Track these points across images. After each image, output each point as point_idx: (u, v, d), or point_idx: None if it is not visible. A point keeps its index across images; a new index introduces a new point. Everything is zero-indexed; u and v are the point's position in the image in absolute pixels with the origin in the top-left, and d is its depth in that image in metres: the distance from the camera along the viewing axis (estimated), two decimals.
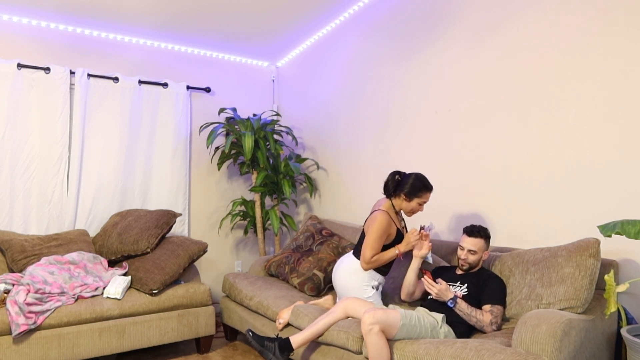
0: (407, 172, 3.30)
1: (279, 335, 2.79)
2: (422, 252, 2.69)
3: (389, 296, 2.99)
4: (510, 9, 2.93)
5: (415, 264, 2.68)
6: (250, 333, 2.51)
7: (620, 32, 2.44)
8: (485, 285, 2.48)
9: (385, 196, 2.83)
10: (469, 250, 2.55)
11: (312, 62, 4.54)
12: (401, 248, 2.72)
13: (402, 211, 2.81)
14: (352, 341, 2.38)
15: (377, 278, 2.76)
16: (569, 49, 2.65)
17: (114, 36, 4.07)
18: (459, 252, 2.60)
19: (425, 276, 2.47)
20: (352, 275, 2.75)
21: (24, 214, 3.60)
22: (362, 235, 2.82)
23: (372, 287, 2.74)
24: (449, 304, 2.39)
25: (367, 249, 2.67)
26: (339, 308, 2.52)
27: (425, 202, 2.75)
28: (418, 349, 2.11)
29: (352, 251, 2.88)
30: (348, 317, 2.53)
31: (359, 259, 2.76)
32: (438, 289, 2.40)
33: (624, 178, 2.42)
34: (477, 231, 2.55)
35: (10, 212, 3.56)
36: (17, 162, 3.59)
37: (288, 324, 2.88)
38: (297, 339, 2.46)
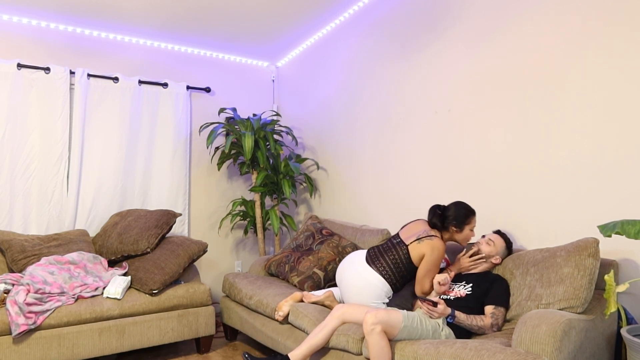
0: (445, 203, 3.18)
1: (277, 354, 2.79)
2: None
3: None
4: (510, 9, 2.93)
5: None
6: (246, 355, 2.51)
7: (620, 32, 2.44)
8: (491, 287, 2.48)
9: (428, 224, 2.75)
10: (489, 239, 2.64)
11: (312, 62, 4.54)
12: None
13: (455, 241, 2.77)
14: (352, 343, 2.38)
15: (390, 295, 2.70)
16: (569, 49, 2.65)
17: (114, 36, 4.07)
18: (479, 239, 2.70)
19: (423, 303, 2.37)
20: (368, 290, 2.65)
21: (24, 214, 3.60)
22: (399, 244, 2.71)
23: (383, 303, 2.69)
24: (448, 319, 2.38)
25: (427, 281, 2.63)
26: (334, 317, 2.49)
27: (474, 227, 2.77)
28: (418, 349, 2.11)
29: (366, 255, 2.76)
30: (345, 324, 2.52)
31: (377, 269, 2.66)
32: (439, 313, 2.35)
33: (624, 178, 2.42)
34: (504, 233, 2.69)
35: (10, 212, 3.56)
36: (17, 162, 3.59)
37: (288, 319, 2.88)
38: (296, 355, 2.44)
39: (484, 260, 2.61)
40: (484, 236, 2.72)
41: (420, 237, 2.65)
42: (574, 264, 2.25)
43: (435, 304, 2.34)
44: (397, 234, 2.80)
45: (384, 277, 2.65)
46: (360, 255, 2.79)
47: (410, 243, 2.67)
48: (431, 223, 2.72)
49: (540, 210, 2.76)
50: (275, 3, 3.78)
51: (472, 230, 2.73)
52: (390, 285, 2.66)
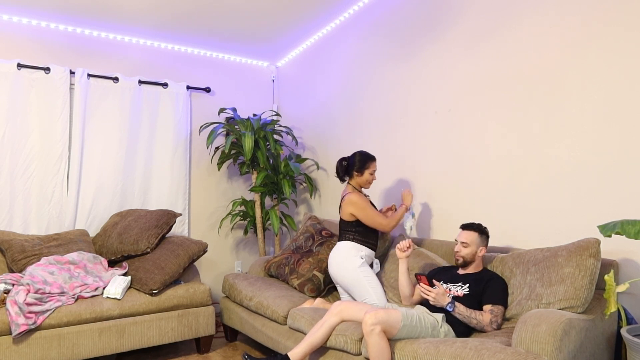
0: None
1: (277, 354, 2.79)
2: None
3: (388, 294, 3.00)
4: (510, 9, 2.93)
5: (402, 267, 2.72)
6: (245, 356, 2.51)
7: (620, 32, 2.44)
8: (487, 286, 2.48)
9: (345, 183, 3.15)
10: (462, 243, 2.60)
11: (312, 62, 4.54)
12: (408, 203, 3.06)
13: (362, 188, 3.11)
14: (350, 344, 2.38)
15: (362, 250, 2.99)
16: (569, 49, 2.65)
17: (114, 36, 4.07)
18: (455, 246, 2.66)
19: (420, 282, 2.45)
20: (340, 254, 2.97)
21: (24, 214, 3.60)
22: (340, 221, 3.09)
23: (361, 257, 2.95)
24: (447, 308, 2.39)
25: (374, 218, 2.96)
26: (333, 315, 2.50)
27: (375, 171, 3.07)
28: (418, 348, 2.11)
29: (338, 242, 3.09)
30: (343, 322, 2.52)
31: (341, 239, 3.04)
32: (435, 293, 2.40)
33: (624, 178, 2.42)
34: (470, 225, 2.63)
35: (10, 212, 3.56)
36: (17, 162, 3.59)
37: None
38: (295, 354, 2.44)
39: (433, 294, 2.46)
40: (456, 241, 2.64)
41: (340, 204, 3.08)
42: (575, 264, 2.25)
43: (433, 285, 2.42)
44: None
45: (345, 240, 3.03)
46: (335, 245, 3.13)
47: (340, 213, 3.09)
48: (338, 174, 3.12)
49: (541, 210, 2.76)
50: (275, 3, 3.78)
51: (372, 174, 3.06)
52: (352, 241, 3.00)
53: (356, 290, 2.87)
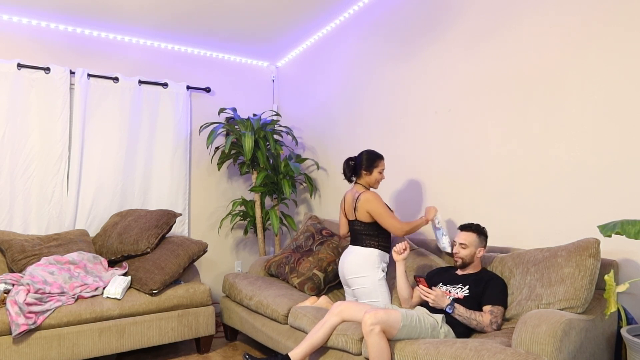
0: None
1: (277, 354, 2.79)
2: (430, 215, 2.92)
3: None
4: (510, 9, 2.93)
5: (400, 269, 2.70)
6: (246, 356, 2.51)
7: (620, 32, 2.44)
8: (487, 287, 2.48)
9: (352, 183, 3.04)
10: (461, 244, 2.59)
11: (312, 62, 4.54)
12: (429, 217, 2.91)
13: (371, 188, 3.02)
14: (351, 343, 2.38)
15: (385, 258, 2.91)
16: (569, 49, 2.65)
17: (114, 36, 4.07)
18: (454, 248, 2.66)
19: (419, 285, 2.45)
20: (363, 262, 2.85)
21: (24, 214, 3.60)
22: (354, 224, 2.95)
23: (382, 270, 2.86)
24: (447, 309, 2.39)
25: (390, 220, 2.83)
26: (333, 315, 2.50)
27: (383, 170, 2.99)
28: (418, 349, 2.11)
29: (351, 245, 2.98)
30: (344, 322, 2.52)
31: (361, 244, 2.90)
32: (435, 295, 2.39)
33: (624, 178, 2.42)
34: (469, 226, 2.62)
35: (10, 212, 3.56)
36: (17, 162, 3.59)
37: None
38: (296, 354, 2.44)
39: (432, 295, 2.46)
40: (454, 243, 2.63)
41: (355, 205, 2.93)
42: (574, 264, 2.25)
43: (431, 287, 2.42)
44: (348, 221, 3.03)
45: (369, 246, 2.89)
46: (348, 248, 3.01)
47: (356, 215, 2.94)
48: (345, 175, 3.03)
49: (540, 210, 2.76)
50: (275, 3, 3.78)
51: (381, 172, 2.97)
52: (377, 248, 2.88)
53: (366, 298, 2.85)
